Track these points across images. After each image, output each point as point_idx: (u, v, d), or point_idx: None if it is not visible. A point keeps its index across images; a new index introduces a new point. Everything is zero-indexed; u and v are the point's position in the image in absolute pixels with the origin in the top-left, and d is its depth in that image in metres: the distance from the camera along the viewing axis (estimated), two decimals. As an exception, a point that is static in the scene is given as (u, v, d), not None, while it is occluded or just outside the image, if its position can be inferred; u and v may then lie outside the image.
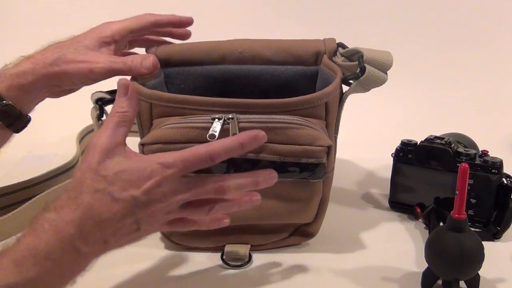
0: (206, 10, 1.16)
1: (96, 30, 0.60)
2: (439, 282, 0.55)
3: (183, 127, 0.54)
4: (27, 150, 0.94)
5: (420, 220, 0.70)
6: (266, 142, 0.54)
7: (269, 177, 0.49)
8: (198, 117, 0.55)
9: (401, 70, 0.68)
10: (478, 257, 0.53)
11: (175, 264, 0.61)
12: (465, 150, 0.68)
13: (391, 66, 0.61)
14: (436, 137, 0.70)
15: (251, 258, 0.61)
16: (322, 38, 0.67)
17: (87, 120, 0.64)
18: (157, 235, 0.65)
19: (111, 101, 0.58)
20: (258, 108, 0.55)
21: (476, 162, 0.66)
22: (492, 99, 1.10)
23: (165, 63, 0.65)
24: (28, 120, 0.59)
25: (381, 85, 0.61)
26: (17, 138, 0.60)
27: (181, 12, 0.68)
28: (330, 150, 0.57)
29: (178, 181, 0.46)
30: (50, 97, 0.60)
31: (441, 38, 1.16)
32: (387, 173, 0.74)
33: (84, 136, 0.90)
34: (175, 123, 0.55)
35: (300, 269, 0.60)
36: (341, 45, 0.65)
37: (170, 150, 0.52)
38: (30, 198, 0.68)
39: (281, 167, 0.56)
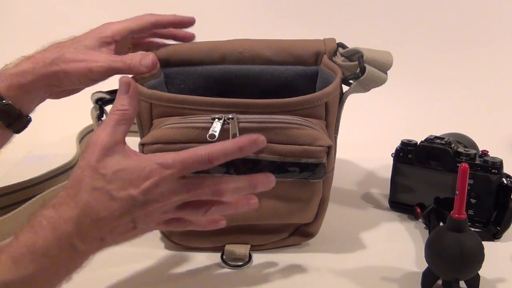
0: (206, 10, 1.15)
1: (97, 30, 0.60)
2: (439, 282, 0.55)
3: (183, 127, 0.54)
4: (27, 150, 0.94)
5: (420, 220, 0.70)
6: (266, 142, 0.54)
7: (267, 181, 0.49)
8: (198, 117, 0.55)
9: (401, 70, 0.68)
10: (478, 257, 0.53)
11: (175, 264, 0.61)
12: (465, 150, 0.68)
13: (391, 66, 0.61)
14: (436, 137, 0.70)
15: (251, 258, 0.61)
16: (322, 38, 0.67)
17: (87, 120, 0.64)
18: (157, 235, 0.65)
19: (111, 101, 0.58)
20: (258, 108, 0.55)
21: (476, 162, 0.66)
22: (492, 99, 1.10)
23: (165, 63, 0.65)
24: (28, 120, 0.59)
25: (381, 85, 0.61)
26: (17, 138, 0.60)
27: (181, 12, 0.67)
28: (330, 150, 0.57)
29: (176, 182, 0.46)
30: (51, 98, 0.60)
31: (441, 38, 1.16)
32: (387, 173, 0.74)
33: (84, 136, 0.90)
34: (175, 123, 0.55)
35: (300, 269, 0.60)
36: (341, 45, 0.65)
37: (170, 150, 0.52)
38: (30, 198, 0.68)
39: (281, 167, 0.56)
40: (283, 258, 0.62)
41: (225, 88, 0.66)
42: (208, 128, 0.53)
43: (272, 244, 0.63)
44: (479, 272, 0.54)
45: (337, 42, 0.66)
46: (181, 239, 0.63)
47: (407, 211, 0.72)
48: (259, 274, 0.60)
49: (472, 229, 0.56)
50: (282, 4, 1.20)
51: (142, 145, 0.56)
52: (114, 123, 0.47)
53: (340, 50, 0.65)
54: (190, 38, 0.68)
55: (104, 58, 0.57)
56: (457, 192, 0.52)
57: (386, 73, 0.61)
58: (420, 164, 0.69)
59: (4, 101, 0.55)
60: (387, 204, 0.75)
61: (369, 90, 0.61)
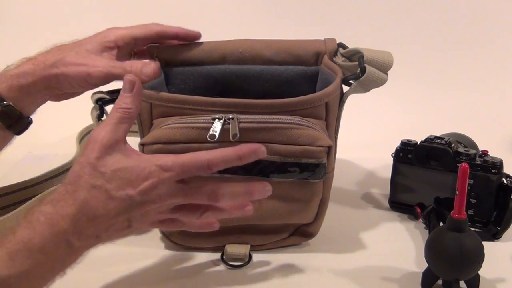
0: (207, 10, 1.16)
1: (100, 34, 0.60)
2: (439, 282, 0.55)
3: (183, 127, 0.54)
4: (27, 150, 0.94)
5: (420, 220, 0.70)
6: (266, 142, 0.55)
7: (263, 189, 0.50)
8: (198, 117, 0.55)
9: (401, 70, 0.68)
10: (478, 257, 0.53)
11: (175, 264, 0.61)
12: (465, 150, 0.68)
13: (391, 66, 0.61)
14: (436, 137, 0.70)
15: (251, 258, 0.61)
16: (323, 38, 0.67)
17: (87, 120, 0.64)
18: (157, 235, 0.65)
19: (111, 101, 0.58)
20: (258, 108, 0.55)
21: (476, 162, 0.66)
22: (492, 99, 1.10)
23: (165, 63, 0.65)
24: (29, 122, 0.58)
25: (381, 85, 0.61)
26: (17, 138, 0.60)
27: (181, 12, 0.67)
28: (330, 150, 0.57)
29: (174, 185, 0.47)
30: (52, 100, 0.60)
31: (441, 38, 1.16)
32: (387, 173, 0.74)
33: (84, 136, 0.90)
34: (175, 123, 0.55)
35: (300, 269, 0.60)
36: (341, 45, 0.65)
37: (170, 150, 0.52)
38: (30, 198, 0.68)
39: (281, 167, 0.56)
40: (283, 258, 0.62)
41: (225, 88, 0.66)
42: (209, 128, 0.53)
43: (272, 244, 0.63)
44: (479, 272, 0.54)
45: (337, 42, 0.66)
46: (181, 239, 0.63)
47: (407, 211, 0.72)
48: (259, 274, 0.60)
49: (472, 229, 0.56)
50: (283, 4, 1.20)
51: (142, 145, 0.56)
52: (116, 121, 0.47)
53: (341, 50, 0.65)
54: (194, 37, 0.67)
55: (104, 63, 0.56)
56: (457, 192, 0.52)
57: (387, 74, 0.61)
58: (420, 164, 0.69)
59: (5, 102, 0.55)
60: (387, 204, 0.75)
61: (369, 90, 0.61)
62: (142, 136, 0.60)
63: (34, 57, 0.57)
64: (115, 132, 0.47)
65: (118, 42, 0.60)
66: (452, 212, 0.53)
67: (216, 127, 0.53)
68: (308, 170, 0.56)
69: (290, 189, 0.58)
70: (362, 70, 0.59)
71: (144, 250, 0.63)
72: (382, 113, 1.05)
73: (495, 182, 0.65)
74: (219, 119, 0.53)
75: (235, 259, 0.61)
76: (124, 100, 0.49)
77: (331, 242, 0.65)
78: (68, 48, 0.58)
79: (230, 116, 0.53)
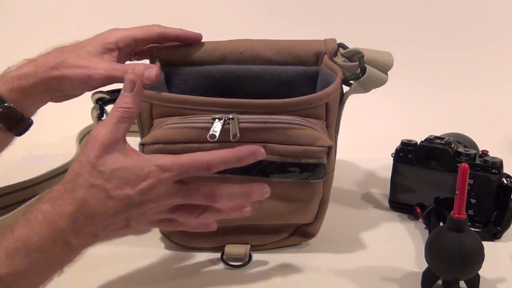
0: (207, 10, 1.16)
1: (101, 36, 0.60)
2: (439, 282, 0.55)
3: (183, 127, 0.54)
4: (27, 150, 0.94)
5: (420, 220, 0.70)
6: (266, 142, 0.55)
7: (261, 191, 0.50)
8: (198, 117, 0.55)
9: (401, 70, 0.68)
10: (478, 257, 0.53)
11: (175, 264, 0.61)
12: (465, 150, 0.68)
13: (391, 66, 0.61)
14: (436, 137, 0.70)
15: (251, 258, 0.61)
16: (323, 39, 0.67)
17: (87, 120, 0.64)
18: (157, 235, 0.65)
19: (111, 101, 0.58)
20: (259, 108, 0.55)
21: (476, 162, 0.66)
22: (492, 99, 1.10)
23: (165, 63, 0.65)
24: (30, 123, 0.58)
25: (381, 85, 0.61)
26: (17, 138, 0.60)
27: (182, 12, 0.67)
28: (330, 151, 0.57)
29: (173, 186, 0.47)
30: (53, 102, 0.60)
31: (441, 38, 1.16)
32: (387, 173, 0.74)
33: (84, 136, 0.90)
34: (176, 123, 0.55)
35: (300, 269, 0.60)
36: (341, 45, 0.65)
37: (170, 150, 0.52)
38: (30, 198, 0.68)
39: (282, 168, 0.56)
40: (283, 258, 0.62)
41: (225, 88, 0.66)
42: (209, 128, 0.53)
43: (272, 244, 0.63)
44: (479, 272, 0.54)
45: (337, 42, 0.66)
46: (181, 239, 0.63)
47: (407, 211, 0.72)
48: (259, 274, 0.60)
49: (472, 229, 0.56)
50: (283, 4, 1.20)
51: (142, 145, 0.56)
52: (116, 120, 0.48)
53: (341, 50, 0.65)
54: (195, 39, 0.66)
55: (105, 65, 0.56)
56: (457, 192, 0.52)
57: (387, 74, 0.61)
58: (420, 164, 0.69)
59: (6, 103, 0.55)
60: (387, 204, 0.75)
61: (370, 90, 0.61)
62: (142, 136, 0.60)
63: (35, 59, 0.57)
64: (115, 132, 0.47)
65: (119, 44, 0.60)
66: (452, 212, 0.53)
67: (216, 127, 0.53)
68: (308, 170, 0.56)
69: (290, 189, 0.58)
70: (362, 70, 0.59)
71: (144, 250, 0.63)
72: (382, 113, 1.05)
73: (495, 182, 0.65)
74: (219, 119, 0.53)
75: (235, 259, 0.61)
76: (125, 100, 0.49)
77: (331, 242, 0.65)
78: (69, 50, 0.58)
79: (230, 116, 0.53)
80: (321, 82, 0.66)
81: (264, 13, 1.19)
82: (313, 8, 1.18)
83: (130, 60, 0.66)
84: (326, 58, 0.64)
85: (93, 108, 0.60)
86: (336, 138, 0.63)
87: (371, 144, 0.93)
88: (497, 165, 0.65)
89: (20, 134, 0.59)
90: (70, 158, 0.79)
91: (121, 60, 0.61)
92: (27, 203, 0.66)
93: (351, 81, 0.61)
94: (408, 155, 0.70)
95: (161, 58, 0.64)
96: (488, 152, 0.68)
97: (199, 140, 0.54)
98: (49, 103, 0.60)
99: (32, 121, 0.59)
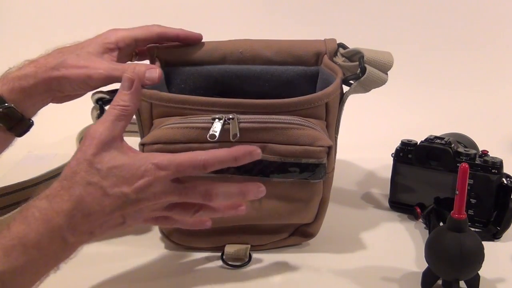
0: (207, 10, 1.16)
1: (101, 36, 0.60)
2: (439, 282, 0.55)
3: (183, 127, 0.54)
4: (27, 150, 0.94)
5: (420, 220, 0.70)
6: (266, 142, 0.55)
7: (257, 190, 0.50)
8: (198, 117, 0.55)
9: (401, 70, 0.68)
10: (478, 257, 0.53)
11: (175, 264, 0.61)
12: (465, 150, 0.68)
13: (391, 66, 0.61)
14: (436, 137, 0.70)
15: (251, 258, 0.61)
16: (323, 38, 0.67)
17: (87, 120, 0.64)
18: (157, 235, 0.65)
19: (111, 101, 0.58)
20: (259, 108, 0.55)
21: (476, 162, 0.66)
22: (492, 99, 1.10)
23: (165, 63, 0.65)
24: (30, 124, 0.58)
25: (381, 85, 0.61)
26: (17, 138, 0.60)
27: (182, 12, 0.67)
28: (330, 151, 0.57)
29: (169, 184, 0.47)
30: (54, 102, 0.60)
31: (441, 38, 1.16)
32: (387, 173, 0.74)
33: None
34: (176, 123, 0.55)
35: (300, 269, 0.60)
36: (341, 45, 0.65)
37: (170, 150, 0.52)
38: (30, 198, 0.67)
39: (282, 168, 0.56)
40: (283, 258, 0.62)
41: (225, 88, 0.66)
42: (209, 128, 0.53)
43: (272, 244, 0.63)
44: (479, 272, 0.54)
45: (337, 42, 0.66)
46: (181, 239, 0.63)
47: (407, 211, 0.72)
48: (259, 274, 0.60)
49: (472, 229, 0.56)
50: (283, 4, 1.20)
51: (142, 145, 0.56)
52: (113, 118, 0.48)
53: (341, 50, 0.65)
54: (195, 39, 0.66)
55: (105, 65, 0.56)
56: (457, 192, 0.52)
57: (387, 74, 0.61)
58: (420, 164, 0.69)
59: (6, 104, 0.55)
60: (387, 204, 0.75)
61: (370, 90, 0.61)
62: (142, 136, 0.60)
63: (36, 60, 0.57)
64: (112, 129, 0.47)
65: (119, 44, 0.60)
66: (452, 212, 0.53)
67: (216, 127, 0.53)
68: (308, 170, 0.56)
69: (290, 189, 0.58)
70: (362, 70, 0.59)
71: (144, 249, 0.63)
72: (382, 113, 1.05)
73: (495, 182, 0.65)
74: (219, 119, 0.53)
75: (235, 259, 0.61)
76: (122, 98, 0.49)
77: (331, 242, 0.65)
78: (69, 51, 0.58)
79: (230, 116, 0.53)
80: (321, 82, 0.66)
81: (264, 13, 1.19)
82: (313, 8, 1.18)
83: (131, 61, 0.66)
84: (326, 58, 0.65)
85: (93, 108, 0.60)
86: (336, 138, 0.63)
87: (371, 144, 0.93)
88: (497, 165, 0.65)
89: (20, 134, 0.59)
90: (70, 158, 0.79)
91: (121, 60, 0.61)
92: (26, 203, 0.66)
93: (351, 81, 0.61)
94: (408, 155, 0.70)
95: (161, 58, 0.64)
96: (488, 152, 0.68)
97: (199, 140, 0.54)
98: (49, 103, 0.60)
99: (32, 121, 0.59)
